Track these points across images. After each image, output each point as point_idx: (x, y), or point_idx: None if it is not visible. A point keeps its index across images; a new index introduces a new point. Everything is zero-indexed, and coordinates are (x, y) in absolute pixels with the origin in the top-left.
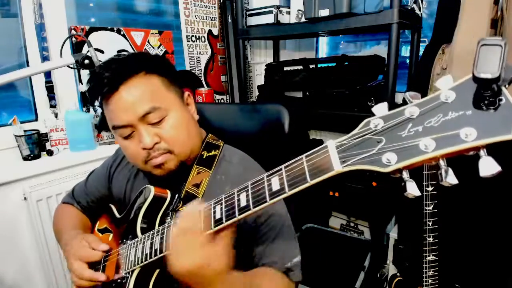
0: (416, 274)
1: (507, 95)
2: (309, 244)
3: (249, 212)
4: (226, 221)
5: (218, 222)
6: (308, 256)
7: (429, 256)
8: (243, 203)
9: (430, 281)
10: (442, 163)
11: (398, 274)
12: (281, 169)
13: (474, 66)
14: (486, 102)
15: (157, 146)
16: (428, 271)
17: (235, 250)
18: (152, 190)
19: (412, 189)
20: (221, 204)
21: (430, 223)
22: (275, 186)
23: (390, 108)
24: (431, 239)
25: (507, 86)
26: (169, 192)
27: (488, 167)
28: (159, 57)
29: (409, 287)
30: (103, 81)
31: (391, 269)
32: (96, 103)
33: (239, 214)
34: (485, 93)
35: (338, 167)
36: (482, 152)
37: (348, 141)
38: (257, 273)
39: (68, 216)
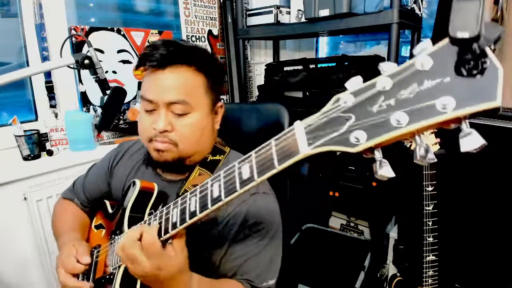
0: (416, 274)
1: (491, 57)
2: (309, 244)
3: (221, 203)
4: (200, 213)
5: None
6: (308, 256)
7: (429, 256)
8: (216, 193)
9: (430, 281)
10: (418, 140)
11: (398, 274)
12: (251, 155)
13: (450, 24)
14: (467, 66)
15: (166, 133)
16: (428, 271)
17: (207, 257)
18: (138, 184)
19: (385, 171)
20: (196, 195)
21: (430, 223)
22: (245, 174)
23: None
24: (431, 239)
25: (492, 46)
26: (156, 186)
27: (470, 140)
28: (215, 61)
29: (409, 287)
30: (156, 55)
31: (391, 269)
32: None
33: (211, 205)
34: (465, 56)
35: (305, 150)
36: (464, 125)
37: (316, 121)
38: (223, 283)
39: (67, 214)
